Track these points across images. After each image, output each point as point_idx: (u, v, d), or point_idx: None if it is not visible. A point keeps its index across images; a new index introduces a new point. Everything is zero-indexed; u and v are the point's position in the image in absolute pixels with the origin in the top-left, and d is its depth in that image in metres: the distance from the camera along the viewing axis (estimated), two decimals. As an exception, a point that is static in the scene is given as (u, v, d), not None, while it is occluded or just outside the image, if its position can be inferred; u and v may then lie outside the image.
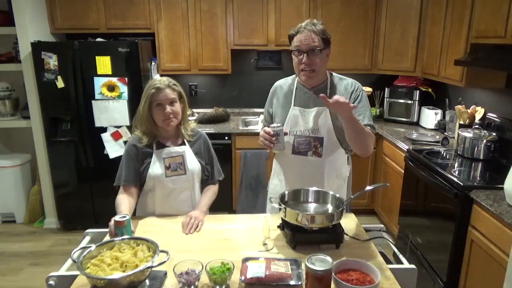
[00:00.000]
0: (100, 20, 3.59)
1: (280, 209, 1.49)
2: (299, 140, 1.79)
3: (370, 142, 1.69)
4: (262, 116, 2.14)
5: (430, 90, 3.67)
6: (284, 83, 1.92)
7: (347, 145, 1.78)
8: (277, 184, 1.95)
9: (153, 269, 1.20)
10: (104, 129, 3.37)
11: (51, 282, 1.33)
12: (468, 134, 2.63)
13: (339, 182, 1.84)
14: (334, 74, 1.85)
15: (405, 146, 3.01)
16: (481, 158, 2.58)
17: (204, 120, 3.75)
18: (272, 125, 1.70)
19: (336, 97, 1.49)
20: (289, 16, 3.65)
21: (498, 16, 2.31)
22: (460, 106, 3.03)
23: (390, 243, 1.63)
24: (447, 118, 3.31)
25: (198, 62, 3.75)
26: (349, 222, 1.68)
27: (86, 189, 3.51)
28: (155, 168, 1.74)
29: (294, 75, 1.90)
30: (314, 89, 1.80)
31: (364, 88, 1.89)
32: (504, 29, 2.25)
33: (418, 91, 3.66)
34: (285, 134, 1.75)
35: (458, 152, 2.71)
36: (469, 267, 2.14)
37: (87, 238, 1.67)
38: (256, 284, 1.23)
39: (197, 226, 1.66)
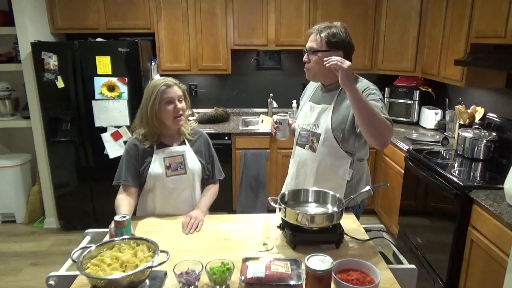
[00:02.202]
0: (100, 20, 3.59)
1: (280, 209, 1.49)
2: (302, 132, 1.89)
3: (385, 130, 1.54)
4: (262, 116, 2.17)
5: (430, 90, 3.67)
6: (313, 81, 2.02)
7: (349, 148, 1.77)
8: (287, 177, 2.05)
9: (153, 269, 1.19)
10: (104, 129, 3.37)
11: (51, 282, 1.33)
12: (468, 134, 2.63)
13: (337, 182, 1.83)
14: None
15: (405, 146, 3.01)
16: (481, 158, 2.58)
17: (204, 120, 3.75)
18: (279, 114, 1.89)
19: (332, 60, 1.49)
20: (289, 16, 3.65)
21: (498, 16, 2.31)
22: (460, 106, 3.03)
23: (390, 243, 1.64)
24: (447, 118, 3.31)
25: (198, 62, 3.75)
26: (349, 222, 1.68)
27: (86, 189, 3.51)
28: (156, 167, 1.74)
29: None
30: (327, 88, 1.85)
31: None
32: (504, 29, 2.25)
33: (418, 91, 3.66)
34: (290, 125, 1.91)
35: (458, 152, 2.71)
36: (469, 267, 2.14)
37: (87, 238, 1.67)
38: (256, 284, 1.22)
39: (197, 226, 1.66)
